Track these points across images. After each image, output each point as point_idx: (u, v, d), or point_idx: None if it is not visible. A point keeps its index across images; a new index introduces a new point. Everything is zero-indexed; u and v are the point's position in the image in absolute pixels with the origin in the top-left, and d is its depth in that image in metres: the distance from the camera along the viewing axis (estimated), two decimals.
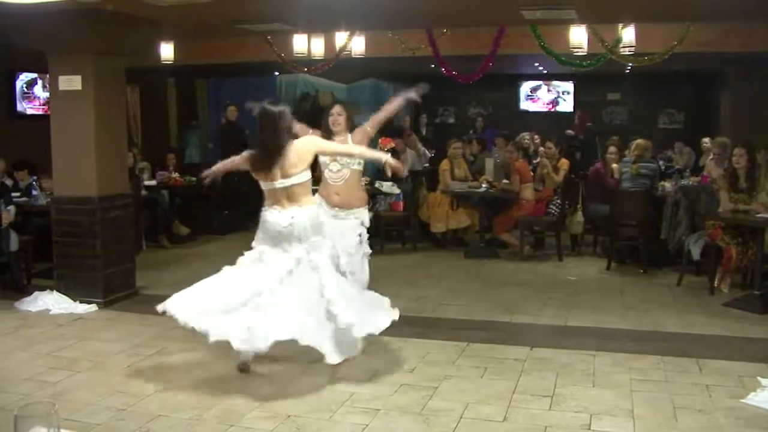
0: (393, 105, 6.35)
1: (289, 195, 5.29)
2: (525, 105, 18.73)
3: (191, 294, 5.17)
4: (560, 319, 6.92)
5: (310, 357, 5.54)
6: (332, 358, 5.06)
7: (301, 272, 5.20)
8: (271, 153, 5.23)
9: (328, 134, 6.16)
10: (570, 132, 14.22)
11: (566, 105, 18.32)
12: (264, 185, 5.37)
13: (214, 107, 14.61)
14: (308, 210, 5.32)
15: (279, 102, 5.54)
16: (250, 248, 5.51)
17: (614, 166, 9.80)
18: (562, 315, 7.04)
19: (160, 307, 5.13)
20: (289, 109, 5.42)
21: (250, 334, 4.88)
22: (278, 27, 8.81)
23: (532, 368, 5.46)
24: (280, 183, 5.27)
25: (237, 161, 5.53)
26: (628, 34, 8.74)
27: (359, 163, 6.19)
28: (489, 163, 10.66)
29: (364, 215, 6.23)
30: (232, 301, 5.05)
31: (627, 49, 8.88)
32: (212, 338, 4.90)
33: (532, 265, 9.52)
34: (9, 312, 7.09)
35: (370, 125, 6.27)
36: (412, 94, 6.27)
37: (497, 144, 11.83)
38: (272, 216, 5.29)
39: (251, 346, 4.98)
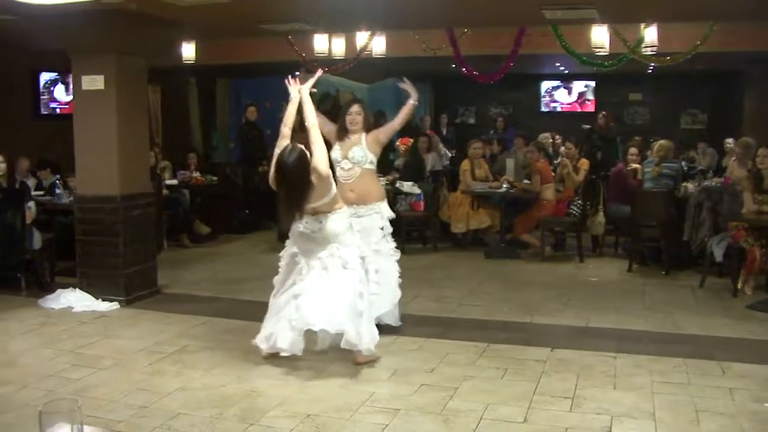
0: (404, 113, 6.41)
1: (315, 211, 5.41)
2: (549, 104, 18.66)
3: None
4: (581, 320, 6.89)
5: (331, 356, 5.57)
6: (363, 344, 5.41)
7: (330, 272, 5.40)
8: (296, 206, 5.32)
9: (343, 132, 6.21)
10: (586, 126, 14.14)
11: (588, 105, 18.27)
12: None
13: (234, 107, 14.66)
14: (336, 215, 5.44)
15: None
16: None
17: (636, 166, 9.75)
18: (583, 316, 7.00)
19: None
20: (303, 149, 5.35)
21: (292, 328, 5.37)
22: (299, 27, 8.82)
23: (553, 369, 5.44)
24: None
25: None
26: (650, 34, 8.69)
27: (371, 162, 6.21)
28: (510, 164, 10.64)
29: (385, 208, 6.25)
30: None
31: (649, 49, 8.83)
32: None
33: (553, 265, 9.48)
34: (33, 309, 7.16)
35: (383, 134, 6.28)
36: (412, 100, 6.35)
37: (516, 144, 11.81)
38: (301, 221, 5.44)
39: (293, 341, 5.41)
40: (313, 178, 5.26)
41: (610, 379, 5.22)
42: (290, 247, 5.63)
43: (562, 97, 18.60)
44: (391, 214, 6.34)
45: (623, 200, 9.50)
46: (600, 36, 8.80)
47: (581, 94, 18.41)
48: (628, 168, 9.89)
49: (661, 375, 5.29)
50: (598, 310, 7.22)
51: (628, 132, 14.33)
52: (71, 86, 8.07)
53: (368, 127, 6.28)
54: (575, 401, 4.80)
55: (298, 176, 5.24)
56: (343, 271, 5.41)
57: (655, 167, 9.19)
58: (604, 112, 13.87)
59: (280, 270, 5.72)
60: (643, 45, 8.81)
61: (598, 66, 9.97)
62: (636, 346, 5.97)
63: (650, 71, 13.67)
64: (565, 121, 17.24)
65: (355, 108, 6.27)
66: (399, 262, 6.30)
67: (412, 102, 6.37)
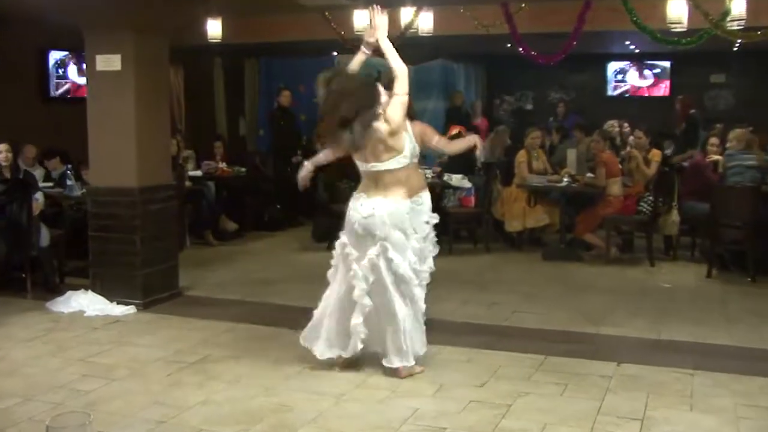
0: (458, 146, 6.50)
1: (377, 181, 5.56)
2: (617, 88, 18.54)
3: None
4: (652, 331, 6.81)
5: (370, 369, 5.57)
6: (393, 361, 5.48)
7: (376, 284, 5.49)
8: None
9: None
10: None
11: (662, 89, 18.10)
12: (358, 164, 5.70)
13: (265, 90, 14.73)
14: (392, 202, 5.50)
15: None
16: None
17: (716, 158, 9.61)
18: (654, 327, 6.92)
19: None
20: None
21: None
22: (337, 2, 8.84)
23: (619, 387, 5.38)
24: (371, 166, 5.56)
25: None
26: (737, 6, 8.52)
27: (416, 156, 6.19)
28: (571, 154, 10.55)
29: (426, 199, 6.22)
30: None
31: (736, 23, 8.66)
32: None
33: (620, 269, 9.39)
34: (40, 313, 7.24)
35: (431, 142, 6.20)
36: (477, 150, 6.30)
37: (576, 136, 11.72)
38: (355, 204, 5.59)
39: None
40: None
41: (686, 400, 5.15)
42: (344, 235, 5.67)
43: (632, 79, 18.44)
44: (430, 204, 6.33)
45: (701, 196, 9.35)
46: (677, 9, 8.67)
47: (655, 76, 18.22)
48: (708, 160, 9.75)
49: (746, 396, 5.19)
50: (672, 320, 7.13)
51: (709, 119, 14.12)
52: (84, 66, 8.14)
53: (411, 113, 6.25)
54: (645, 423, 4.74)
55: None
56: (385, 285, 5.48)
57: (743, 156, 9.00)
58: (681, 96, 13.69)
59: (332, 263, 5.78)
60: (728, 18, 8.65)
61: (674, 44, 9.82)
62: (716, 362, 5.88)
63: (736, 49, 13.44)
64: (636, 107, 17.07)
65: None
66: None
67: (474, 147, 6.28)
